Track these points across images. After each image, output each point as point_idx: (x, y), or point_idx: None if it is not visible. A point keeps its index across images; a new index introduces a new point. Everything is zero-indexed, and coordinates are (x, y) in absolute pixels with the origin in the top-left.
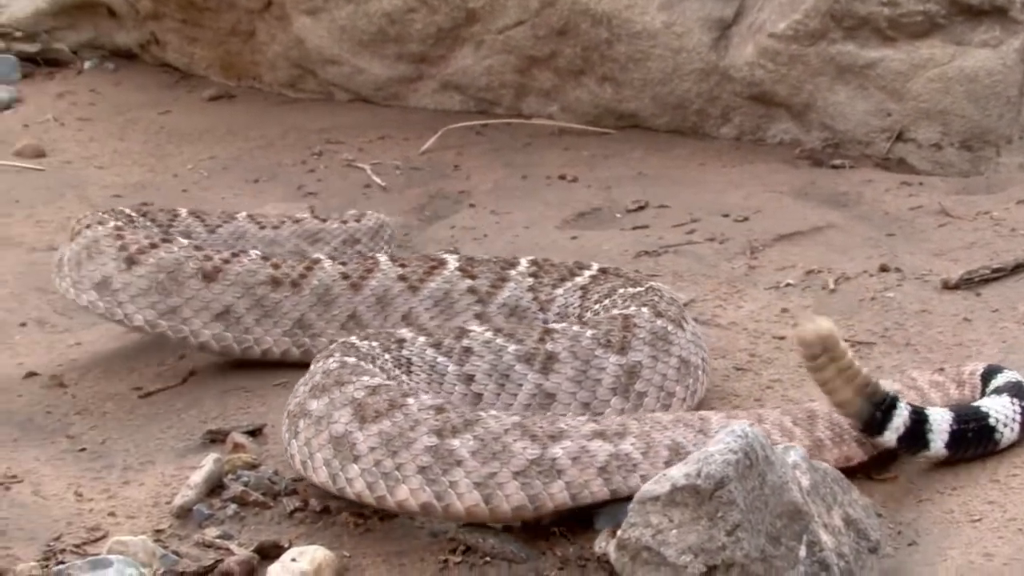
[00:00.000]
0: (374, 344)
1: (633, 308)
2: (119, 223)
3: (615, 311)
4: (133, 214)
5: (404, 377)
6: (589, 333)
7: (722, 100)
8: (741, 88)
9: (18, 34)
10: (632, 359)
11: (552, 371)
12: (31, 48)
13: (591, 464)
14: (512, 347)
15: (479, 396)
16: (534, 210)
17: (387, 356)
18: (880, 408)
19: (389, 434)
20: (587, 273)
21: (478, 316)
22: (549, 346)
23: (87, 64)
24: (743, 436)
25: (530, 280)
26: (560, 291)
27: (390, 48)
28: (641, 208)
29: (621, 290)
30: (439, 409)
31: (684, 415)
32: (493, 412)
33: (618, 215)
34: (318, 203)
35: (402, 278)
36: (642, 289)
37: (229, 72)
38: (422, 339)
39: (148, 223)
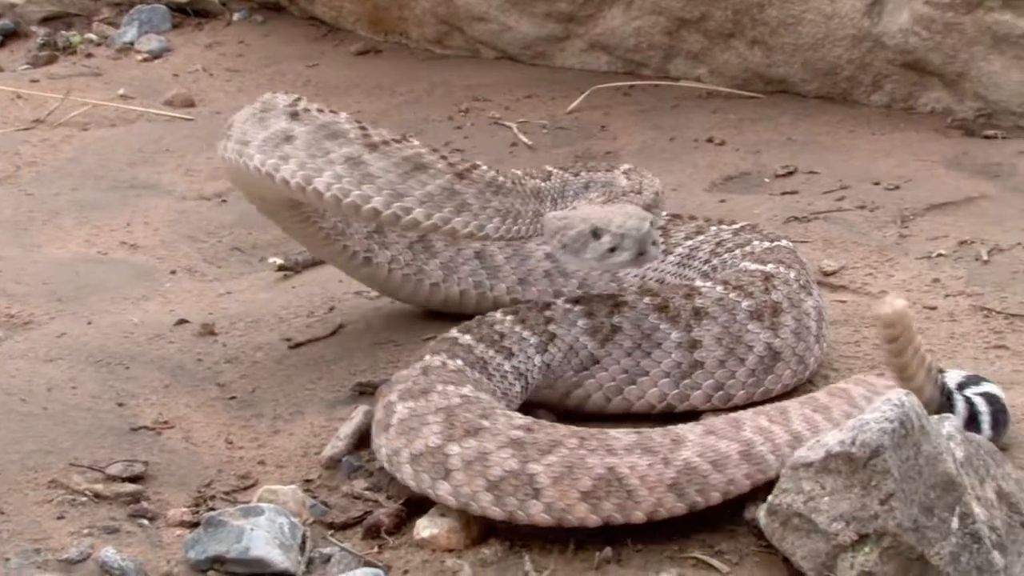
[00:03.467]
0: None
1: (771, 267)
2: None
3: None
4: None
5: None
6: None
7: (874, 67)
8: (894, 55)
9: None
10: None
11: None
12: None
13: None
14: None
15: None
16: (682, 173)
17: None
18: (943, 395)
19: (409, 419)
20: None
21: None
22: (774, 296)
23: (236, 15)
24: (899, 405)
25: None
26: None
27: (539, 6)
28: (790, 174)
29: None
30: (449, 412)
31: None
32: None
33: (767, 180)
34: None
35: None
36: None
37: (376, 27)
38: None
39: None
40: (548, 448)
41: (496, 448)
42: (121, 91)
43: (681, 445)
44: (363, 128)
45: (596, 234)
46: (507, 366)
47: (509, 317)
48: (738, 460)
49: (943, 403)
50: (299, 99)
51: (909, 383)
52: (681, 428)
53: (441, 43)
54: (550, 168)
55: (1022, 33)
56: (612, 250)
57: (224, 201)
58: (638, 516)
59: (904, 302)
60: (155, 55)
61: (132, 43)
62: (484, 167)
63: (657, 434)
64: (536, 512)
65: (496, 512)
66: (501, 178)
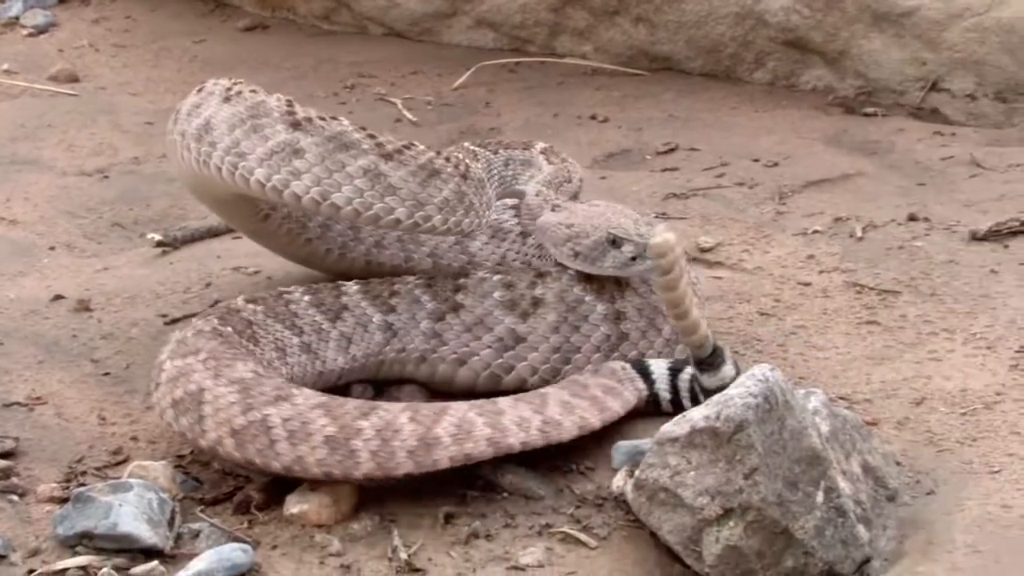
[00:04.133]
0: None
1: None
2: None
3: None
4: None
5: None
6: None
7: (756, 45)
8: (776, 33)
9: None
10: None
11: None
12: None
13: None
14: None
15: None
16: (564, 149)
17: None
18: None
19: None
20: None
21: None
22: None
23: None
24: (763, 380)
25: None
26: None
27: None
28: (671, 151)
29: None
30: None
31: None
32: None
33: (648, 157)
34: None
35: None
36: None
37: (264, 3)
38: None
39: None
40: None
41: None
42: (5, 66)
43: (280, 403)
44: (372, 136)
45: (615, 243)
46: (376, 319)
47: (418, 280)
48: (320, 444)
49: (716, 352)
50: (292, 102)
51: (684, 320)
52: (308, 394)
53: (328, 19)
54: (473, 147)
55: (902, 11)
56: (634, 259)
57: (106, 177)
58: (209, 438)
59: (674, 235)
60: (40, 30)
61: (18, 18)
62: (471, 162)
63: (270, 385)
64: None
65: (175, 426)
66: (480, 170)
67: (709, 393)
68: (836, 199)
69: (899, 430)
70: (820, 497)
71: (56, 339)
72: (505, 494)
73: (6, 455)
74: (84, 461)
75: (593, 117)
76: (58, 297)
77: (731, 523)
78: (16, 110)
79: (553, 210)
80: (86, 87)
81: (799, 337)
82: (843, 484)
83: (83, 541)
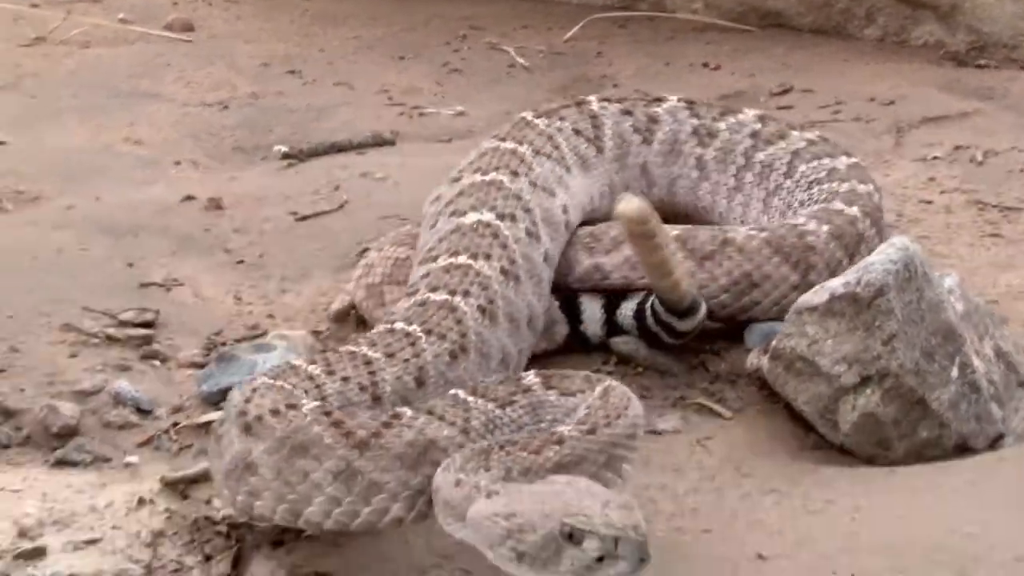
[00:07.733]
0: None
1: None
2: None
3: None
4: None
5: None
6: None
7: (867, 0)
8: None
9: None
10: None
11: None
12: None
13: None
14: None
15: None
16: (678, 92)
17: None
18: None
19: None
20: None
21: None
22: None
23: None
24: (904, 248)
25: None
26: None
27: None
28: (786, 91)
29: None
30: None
31: None
32: None
33: (762, 98)
34: (463, 80)
35: None
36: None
37: None
38: None
39: None
40: None
41: None
42: (120, 15)
43: None
44: (337, 424)
45: (573, 538)
46: None
47: None
48: None
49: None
50: (253, 393)
51: (665, 280)
52: None
53: None
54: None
55: None
56: (600, 559)
57: (225, 108)
58: None
59: (638, 201)
60: None
61: None
62: (469, 398)
63: None
64: None
65: None
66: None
67: (678, 333)
68: (954, 132)
69: None
70: (955, 371)
71: (189, 233)
72: (640, 368)
73: (147, 324)
74: (223, 333)
75: (705, 65)
76: (189, 198)
77: (868, 391)
78: (133, 54)
79: (487, 497)
80: (200, 36)
81: (923, 247)
82: (977, 362)
83: (226, 397)
